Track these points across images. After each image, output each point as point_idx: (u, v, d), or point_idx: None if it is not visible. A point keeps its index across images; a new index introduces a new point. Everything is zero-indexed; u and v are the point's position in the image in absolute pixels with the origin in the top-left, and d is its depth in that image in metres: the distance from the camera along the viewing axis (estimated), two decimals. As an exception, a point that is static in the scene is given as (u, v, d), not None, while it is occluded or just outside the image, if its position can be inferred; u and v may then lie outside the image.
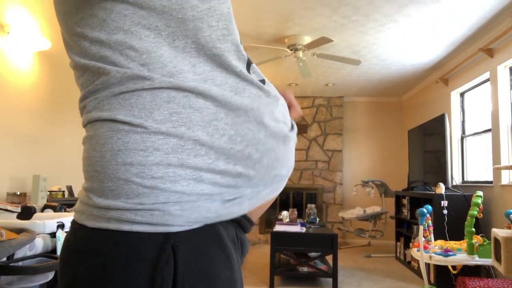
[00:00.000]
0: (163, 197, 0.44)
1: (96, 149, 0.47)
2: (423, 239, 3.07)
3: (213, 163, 0.47)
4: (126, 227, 0.45)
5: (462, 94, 4.59)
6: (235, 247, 0.52)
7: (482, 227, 3.64)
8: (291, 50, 4.01)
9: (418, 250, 3.07)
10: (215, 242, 0.48)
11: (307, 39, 3.89)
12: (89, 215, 0.47)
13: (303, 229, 3.84)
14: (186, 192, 0.45)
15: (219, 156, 0.47)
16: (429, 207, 3.17)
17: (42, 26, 3.47)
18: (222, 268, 0.47)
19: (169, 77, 0.47)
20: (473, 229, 2.92)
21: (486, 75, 3.87)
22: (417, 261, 4.01)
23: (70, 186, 4.12)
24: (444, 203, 3.64)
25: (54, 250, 1.87)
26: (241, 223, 0.55)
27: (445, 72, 4.59)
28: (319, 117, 6.46)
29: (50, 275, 1.71)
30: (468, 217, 2.97)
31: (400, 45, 4.03)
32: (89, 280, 0.44)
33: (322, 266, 3.73)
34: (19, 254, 1.65)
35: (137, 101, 0.46)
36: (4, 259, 1.57)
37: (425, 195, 4.06)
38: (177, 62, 0.48)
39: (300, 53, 3.96)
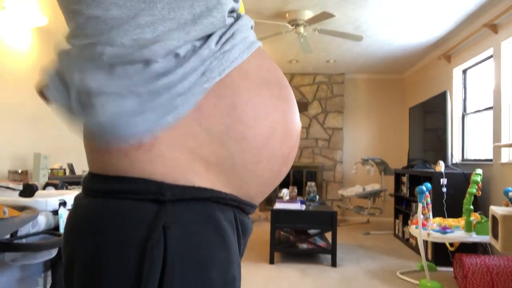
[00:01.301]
0: None
1: None
2: (422, 216, 3.11)
3: None
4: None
5: (464, 71, 4.54)
6: (233, 228, 0.51)
7: (481, 205, 3.67)
8: (292, 26, 3.94)
9: (416, 227, 3.10)
10: (209, 222, 0.47)
11: (308, 14, 3.82)
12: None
13: (303, 207, 3.87)
14: None
15: None
16: (428, 185, 3.19)
17: (38, 1, 3.40)
18: (216, 249, 0.47)
19: None
20: (472, 207, 2.94)
21: (490, 51, 3.82)
22: (415, 238, 4.07)
23: (71, 164, 4.14)
24: (444, 181, 3.66)
25: (56, 228, 1.89)
26: (240, 206, 0.54)
27: (448, 49, 4.53)
28: (320, 95, 6.42)
29: (54, 252, 1.73)
30: (467, 195, 2.99)
31: (402, 21, 3.96)
32: (85, 260, 0.45)
33: (321, 243, 3.79)
34: (22, 231, 1.67)
35: None
36: (8, 236, 1.59)
37: (424, 173, 4.07)
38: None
39: (301, 29, 3.89)
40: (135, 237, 0.43)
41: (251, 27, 0.58)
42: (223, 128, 0.48)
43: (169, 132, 0.47)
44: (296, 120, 0.57)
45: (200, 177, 0.48)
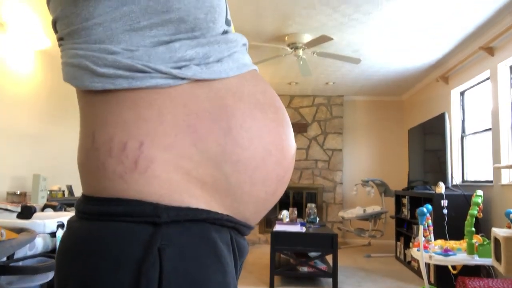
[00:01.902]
0: None
1: None
2: (423, 238, 3.07)
3: None
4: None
5: (462, 93, 4.59)
6: (229, 249, 0.51)
7: (482, 226, 3.64)
8: (291, 49, 4.00)
9: (418, 250, 3.06)
10: (206, 244, 0.47)
11: (307, 37, 3.88)
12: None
13: (303, 229, 3.84)
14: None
15: None
16: (429, 206, 3.16)
17: (42, 23, 3.46)
18: (212, 271, 0.46)
19: None
20: (473, 229, 2.91)
21: (487, 73, 3.87)
22: (417, 261, 4.01)
23: (70, 186, 4.12)
24: (444, 202, 3.64)
25: (54, 250, 1.87)
26: (236, 227, 0.53)
27: (446, 71, 4.59)
28: (319, 116, 6.46)
29: (50, 275, 1.71)
30: (468, 217, 2.97)
31: (400, 44, 4.02)
32: (79, 283, 0.45)
33: (322, 266, 3.73)
34: (19, 254, 1.65)
35: None
36: (4, 259, 1.57)
37: (425, 194, 4.06)
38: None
39: (300, 52, 3.95)
40: (130, 259, 0.43)
41: (244, 46, 0.59)
42: (218, 150, 0.49)
43: (165, 154, 0.47)
44: (290, 142, 0.57)
45: (196, 198, 0.48)
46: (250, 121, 0.51)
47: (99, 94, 0.50)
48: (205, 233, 0.47)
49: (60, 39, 0.53)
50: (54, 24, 0.54)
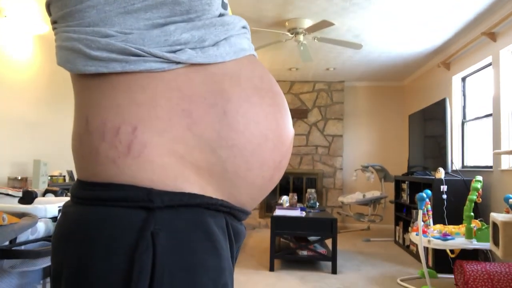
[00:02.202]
0: None
1: None
2: (422, 223, 3.10)
3: None
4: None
5: (463, 79, 4.56)
6: (224, 234, 0.50)
7: (481, 211, 3.66)
8: (291, 34, 3.96)
9: (417, 234, 3.09)
10: (199, 228, 0.46)
11: (308, 23, 3.84)
12: None
13: (303, 214, 3.86)
14: None
15: None
16: (429, 191, 3.18)
17: (40, 8, 3.42)
18: (206, 256, 0.46)
19: None
20: (472, 214, 2.93)
21: (489, 59, 3.84)
22: (416, 245, 4.05)
23: (71, 171, 4.14)
24: (444, 187, 3.66)
25: (56, 234, 1.88)
26: (232, 212, 0.53)
27: (447, 57, 4.55)
28: (320, 102, 6.44)
29: (53, 259, 1.73)
30: (467, 202, 2.99)
31: (401, 29, 3.98)
32: (73, 268, 0.45)
33: (322, 250, 3.77)
34: (21, 238, 1.66)
35: None
36: (7, 243, 1.58)
37: (424, 180, 4.07)
38: None
39: (301, 37, 3.91)
40: (123, 244, 0.43)
41: (243, 29, 0.58)
42: (213, 135, 0.49)
43: (158, 138, 0.47)
44: (288, 127, 0.57)
45: (190, 183, 0.48)
46: (246, 106, 0.51)
47: (92, 77, 0.49)
48: (199, 218, 0.47)
49: (53, 22, 0.52)
50: (48, 6, 0.53)
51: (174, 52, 0.48)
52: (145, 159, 0.46)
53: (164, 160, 0.47)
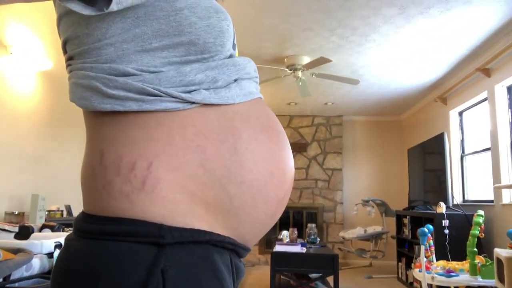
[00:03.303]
0: None
1: None
2: (425, 259, 3.04)
3: None
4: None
5: (460, 113, 4.62)
6: (229, 271, 0.51)
7: (484, 246, 3.60)
8: (290, 70, 4.05)
9: (420, 271, 3.02)
10: (208, 266, 0.47)
11: (306, 59, 3.94)
12: None
13: (304, 249, 3.79)
14: None
15: None
16: (430, 226, 3.14)
17: (44, 46, 3.52)
18: None
19: None
20: (475, 249, 2.88)
21: (484, 94, 3.90)
22: (420, 282, 3.95)
23: (69, 206, 4.10)
24: (445, 222, 3.62)
25: (51, 271, 1.84)
26: (236, 249, 0.54)
27: (444, 91, 4.63)
28: (319, 136, 6.48)
29: (47, 297, 1.68)
30: (470, 237, 2.94)
31: (398, 65, 4.08)
32: None
33: None
34: (16, 274, 1.63)
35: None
36: (1, 279, 1.55)
37: (426, 214, 4.03)
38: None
39: (299, 73, 4.00)
40: (133, 280, 0.42)
41: (251, 74, 0.59)
42: (224, 171, 0.50)
43: (172, 174, 0.47)
44: (291, 165, 0.59)
45: (199, 219, 0.48)
46: (255, 144, 0.53)
47: (108, 114, 0.50)
48: (208, 255, 0.48)
49: (69, 58, 0.54)
50: (64, 45, 0.55)
51: (189, 92, 0.50)
52: (158, 195, 0.47)
53: (176, 196, 0.47)
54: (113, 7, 0.46)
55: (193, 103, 0.50)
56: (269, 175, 0.53)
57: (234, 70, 0.55)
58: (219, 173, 0.49)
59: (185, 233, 0.46)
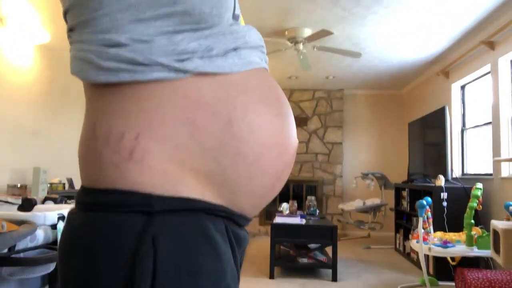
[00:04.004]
0: None
1: None
2: (423, 230, 3.09)
3: None
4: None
5: (463, 87, 4.58)
6: (225, 238, 0.51)
7: (482, 219, 3.65)
8: (291, 43, 3.99)
9: (417, 242, 3.08)
10: (199, 232, 0.47)
11: (307, 32, 3.87)
12: None
13: (303, 221, 3.85)
14: None
15: None
16: (429, 199, 3.18)
17: (41, 18, 3.45)
18: (207, 258, 0.46)
19: None
20: (473, 221, 2.93)
21: (487, 67, 3.86)
22: (416, 253, 4.03)
23: (71, 178, 4.14)
24: (444, 195, 3.66)
25: (55, 242, 1.88)
26: (232, 218, 0.54)
27: (446, 65, 4.57)
28: (319, 110, 6.45)
29: (51, 266, 1.72)
30: (467, 209, 2.98)
31: (400, 38, 4.01)
32: (79, 274, 0.46)
33: (322, 258, 3.76)
34: (20, 245, 1.66)
35: None
36: (6, 250, 1.58)
37: (424, 187, 4.07)
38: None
39: (301, 46, 3.94)
40: (125, 249, 0.44)
41: (257, 47, 0.58)
42: (216, 143, 0.49)
43: (160, 145, 0.48)
44: (292, 137, 0.57)
45: (190, 188, 0.48)
46: (252, 115, 0.51)
47: (103, 86, 0.50)
48: (199, 222, 0.48)
49: (69, 30, 0.54)
50: (65, 14, 0.54)
51: (181, 61, 0.49)
52: (146, 165, 0.47)
53: (165, 166, 0.47)
54: None
55: (186, 72, 0.49)
56: (266, 147, 0.52)
57: (231, 38, 0.53)
58: (211, 144, 0.49)
59: (174, 201, 0.47)
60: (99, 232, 0.46)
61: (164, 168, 0.47)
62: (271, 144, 0.53)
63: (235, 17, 0.57)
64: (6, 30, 3.38)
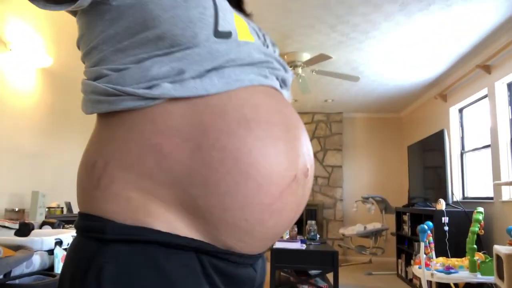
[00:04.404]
0: None
1: None
2: (425, 256, 3.04)
3: None
4: None
5: (460, 110, 4.61)
6: (194, 274, 0.46)
7: (484, 243, 3.61)
8: (290, 67, 4.04)
9: (419, 267, 3.03)
10: (149, 264, 0.44)
11: (306, 56, 3.93)
12: None
13: (303, 246, 3.80)
14: None
15: None
16: (430, 223, 3.15)
17: (44, 42, 3.51)
18: None
19: None
20: (475, 246, 2.89)
21: (484, 91, 3.90)
22: (419, 279, 3.96)
23: (69, 203, 4.10)
24: (445, 219, 3.62)
25: (51, 268, 1.85)
26: (216, 254, 0.48)
27: (444, 89, 4.62)
28: (319, 133, 6.48)
29: (47, 293, 1.68)
30: (469, 234, 2.95)
31: (398, 62, 4.07)
32: None
33: (323, 284, 3.68)
34: (16, 271, 1.63)
35: None
36: (1, 276, 1.55)
37: (425, 211, 4.03)
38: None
39: (300, 70, 3.99)
40: (80, 274, 0.45)
41: (253, 63, 0.54)
42: (185, 171, 0.46)
43: (126, 173, 0.47)
44: (284, 165, 0.49)
45: (156, 218, 0.46)
46: (225, 140, 0.46)
47: (96, 116, 0.54)
48: (151, 254, 0.45)
49: (82, 60, 0.57)
50: (78, 44, 0.57)
51: (149, 88, 0.47)
52: (111, 192, 0.47)
53: (129, 194, 0.47)
54: (81, 2, 0.48)
55: (155, 99, 0.47)
56: (243, 176, 0.46)
57: (209, 57, 0.49)
58: (179, 173, 0.46)
59: (128, 230, 0.45)
60: (70, 254, 0.48)
61: (128, 196, 0.47)
62: (250, 173, 0.47)
63: (219, 35, 0.51)
64: (10, 54, 3.43)
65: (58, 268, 1.80)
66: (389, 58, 3.99)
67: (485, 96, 3.94)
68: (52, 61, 3.71)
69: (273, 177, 0.48)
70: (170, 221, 0.46)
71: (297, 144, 0.53)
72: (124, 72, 0.49)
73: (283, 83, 0.63)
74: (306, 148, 0.56)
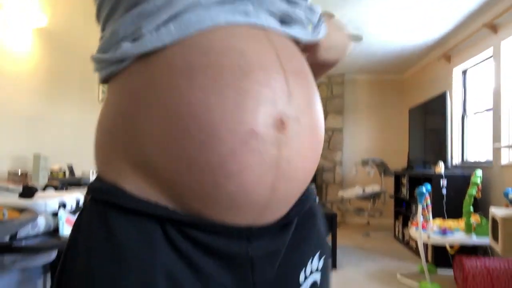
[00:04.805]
0: None
1: None
2: (422, 218, 3.10)
3: None
4: None
5: (464, 72, 4.54)
6: (149, 241, 0.43)
7: (481, 206, 3.67)
8: (292, 28, 3.94)
9: (416, 229, 3.10)
10: (101, 226, 0.44)
11: (308, 16, 3.82)
12: None
13: (303, 208, 3.86)
14: None
15: None
16: (428, 186, 3.18)
17: (38, 1, 3.40)
18: (98, 257, 0.42)
19: None
20: (471, 209, 2.94)
21: (490, 51, 3.82)
22: (415, 240, 4.07)
23: (71, 165, 4.13)
24: (443, 182, 3.66)
25: (56, 229, 1.88)
26: (173, 218, 0.44)
27: (448, 49, 4.53)
28: (320, 95, 6.39)
29: (53, 254, 1.73)
30: (466, 196, 2.99)
31: (402, 21, 3.96)
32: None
33: (321, 244, 3.78)
34: (21, 233, 1.66)
35: None
36: (7, 238, 1.58)
37: (424, 174, 4.07)
38: None
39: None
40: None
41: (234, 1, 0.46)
42: (140, 131, 0.44)
43: (109, 138, 0.48)
44: (234, 119, 0.41)
45: (125, 179, 0.45)
46: (167, 95, 0.42)
47: None
48: (104, 215, 0.44)
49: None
50: (98, 12, 0.56)
51: (115, 50, 0.47)
52: (103, 154, 0.50)
53: (111, 155, 0.48)
54: None
55: (121, 61, 0.46)
56: (185, 133, 0.41)
57: (167, 5, 0.44)
58: (135, 133, 0.44)
59: (96, 190, 0.48)
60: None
61: (110, 157, 0.48)
62: (193, 129, 0.41)
63: None
64: (2, 13, 3.33)
65: (63, 230, 1.83)
66: (392, 18, 3.88)
67: (490, 57, 3.86)
68: (47, 20, 3.60)
69: (219, 133, 0.41)
70: (138, 184, 0.44)
71: (260, 89, 0.42)
72: (103, 40, 0.49)
73: (285, 18, 0.51)
74: (283, 95, 0.44)
